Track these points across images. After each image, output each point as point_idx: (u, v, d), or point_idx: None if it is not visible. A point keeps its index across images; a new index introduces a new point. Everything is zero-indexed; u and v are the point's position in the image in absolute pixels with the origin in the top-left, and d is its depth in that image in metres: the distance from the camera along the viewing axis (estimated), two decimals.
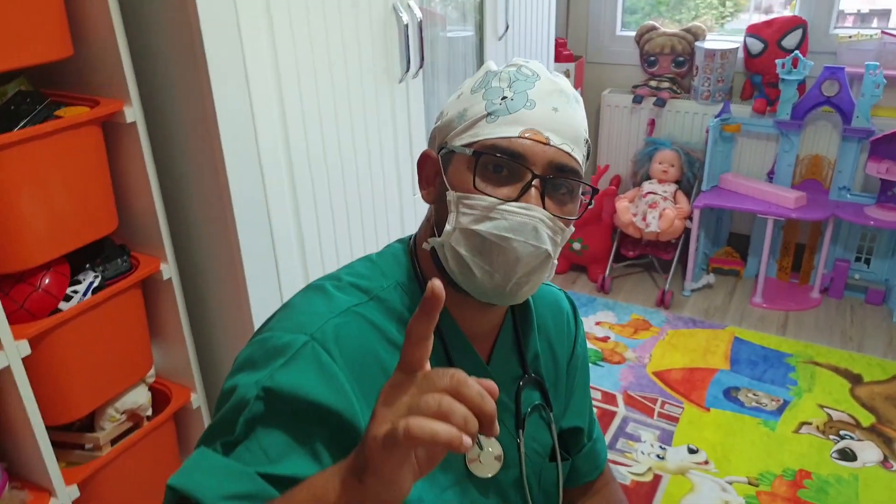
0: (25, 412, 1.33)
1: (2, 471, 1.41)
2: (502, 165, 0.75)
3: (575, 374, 1.02)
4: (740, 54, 3.01)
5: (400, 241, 0.90)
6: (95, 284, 1.43)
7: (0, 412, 1.36)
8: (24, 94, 1.31)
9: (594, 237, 3.12)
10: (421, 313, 0.56)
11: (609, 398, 2.40)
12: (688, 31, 3.09)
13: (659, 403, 2.37)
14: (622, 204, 3.00)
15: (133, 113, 1.38)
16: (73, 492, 1.43)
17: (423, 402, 0.53)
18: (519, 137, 0.75)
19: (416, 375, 0.56)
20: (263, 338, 0.76)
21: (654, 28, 3.14)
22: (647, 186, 3.02)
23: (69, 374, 1.41)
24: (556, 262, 0.80)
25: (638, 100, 3.14)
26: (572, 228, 0.81)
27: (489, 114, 0.77)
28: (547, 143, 0.75)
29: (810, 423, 2.27)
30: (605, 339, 2.75)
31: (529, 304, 0.94)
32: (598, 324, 2.85)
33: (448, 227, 0.77)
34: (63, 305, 1.38)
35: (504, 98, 0.77)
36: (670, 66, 3.14)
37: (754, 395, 2.41)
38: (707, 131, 2.94)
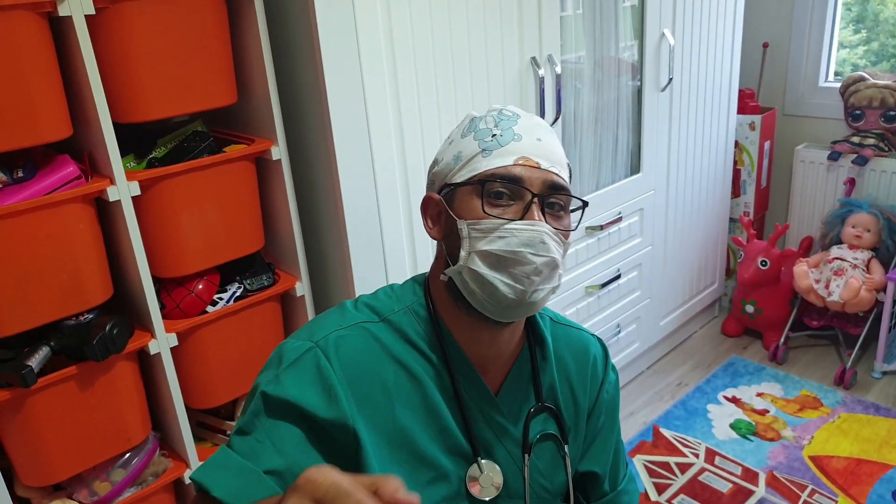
0: (171, 393, 1.61)
1: (155, 439, 1.71)
2: (504, 190, 0.84)
3: (599, 418, 1.03)
4: None
5: (419, 275, 0.99)
6: (238, 294, 1.69)
7: (155, 391, 1.67)
8: (196, 134, 1.61)
9: (769, 301, 2.87)
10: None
11: (749, 475, 2.21)
12: None
13: (808, 491, 2.13)
14: (800, 268, 2.74)
15: (279, 151, 1.63)
16: None
17: None
18: (514, 165, 0.84)
19: None
20: (282, 344, 0.90)
21: (862, 79, 2.85)
22: (835, 251, 2.73)
23: (210, 366, 1.68)
24: (562, 272, 0.87)
25: (834, 156, 2.86)
26: (569, 242, 0.89)
27: (483, 150, 0.86)
28: (538, 167, 0.85)
29: None
30: (762, 413, 2.52)
31: (546, 339, 0.98)
32: (759, 395, 2.63)
33: (463, 252, 0.85)
34: (209, 308, 1.65)
35: (494, 136, 0.87)
36: (878, 120, 2.82)
37: None
38: None
